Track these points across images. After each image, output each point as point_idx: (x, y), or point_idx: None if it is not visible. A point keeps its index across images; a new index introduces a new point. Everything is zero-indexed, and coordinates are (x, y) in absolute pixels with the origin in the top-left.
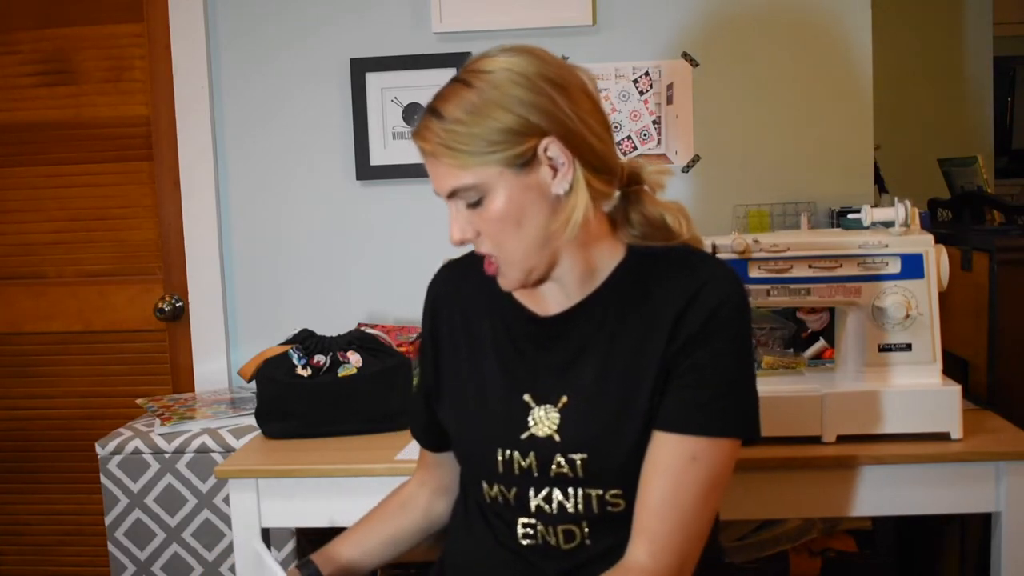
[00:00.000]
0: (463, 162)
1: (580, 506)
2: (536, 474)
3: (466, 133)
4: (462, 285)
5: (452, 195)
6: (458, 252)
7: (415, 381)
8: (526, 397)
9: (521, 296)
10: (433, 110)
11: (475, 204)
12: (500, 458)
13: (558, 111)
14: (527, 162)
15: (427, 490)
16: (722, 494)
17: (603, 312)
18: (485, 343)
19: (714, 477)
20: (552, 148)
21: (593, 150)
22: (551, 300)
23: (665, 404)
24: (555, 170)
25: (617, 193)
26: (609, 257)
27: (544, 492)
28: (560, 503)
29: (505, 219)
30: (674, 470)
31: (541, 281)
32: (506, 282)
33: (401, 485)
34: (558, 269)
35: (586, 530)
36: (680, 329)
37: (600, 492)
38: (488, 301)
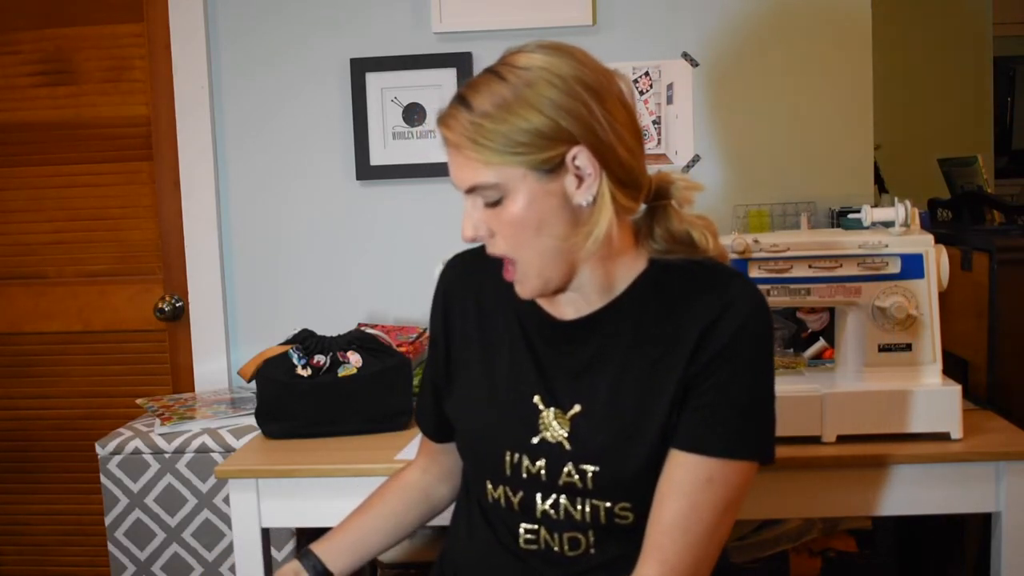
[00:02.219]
0: (487, 158)
1: (587, 516)
2: (545, 480)
3: (493, 129)
4: (476, 278)
5: (471, 191)
6: (456, 250)
7: (419, 374)
8: (535, 399)
9: (542, 301)
10: (462, 99)
11: (494, 203)
12: (508, 460)
13: (592, 119)
14: (553, 168)
15: (429, 476)
16: (735, 515)
17: (621, 322)
18: (498, 339)
19: (729, 499)
20: (580, 157)
21: (622, 163)
22: (568, 305)
23: (683, 423)
24: (580, 180)
25: (643, 207)
26: (630, 268)
27: (552, 499)
28: (567, 510)
29: (523, 224)
30: (690, 491)
31: (560, 291)
32: (524, 290)
33: (400, 470)
34: (577, 279)
35: (592, 539)
36: (703, 347)
37: (609, 505)
38: (504, 297)
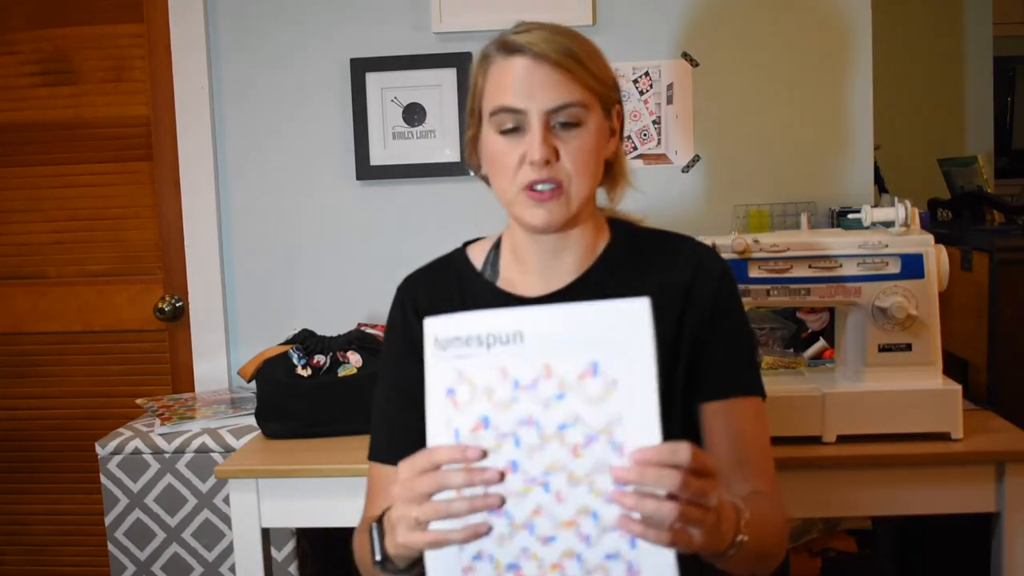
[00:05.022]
0: (586, 80)
1: None
2: None
3: (591, 55)
4: (432, 291)
5: (559, 109)
6: (455, 248)
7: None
8: None
9: (507, 286)
10: (562, 30)
11: (572, 125)
12: None
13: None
14: (609, 113)
15: None
16: None
17: (602, 290)
18: None
19: (768, 433)
20: (617, 115)
21: (622, 129)
22: (539, 279)
23: (712, 374)
24: (612, 133)
25: None
26: (599, 236)
27: None
28: None
29: (591, 151)
30: (748, 430)
31: (564, 228)
32: (556, 214)
33: None
34: (569, 239)
35: None
36: (694, 303)
37: None
38: (464, 304)
